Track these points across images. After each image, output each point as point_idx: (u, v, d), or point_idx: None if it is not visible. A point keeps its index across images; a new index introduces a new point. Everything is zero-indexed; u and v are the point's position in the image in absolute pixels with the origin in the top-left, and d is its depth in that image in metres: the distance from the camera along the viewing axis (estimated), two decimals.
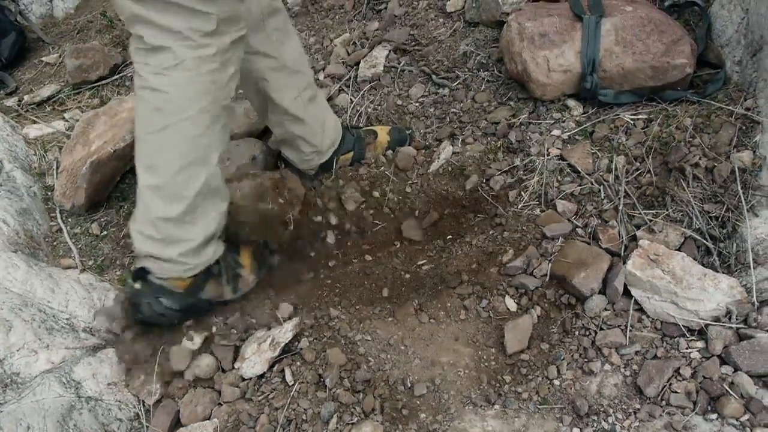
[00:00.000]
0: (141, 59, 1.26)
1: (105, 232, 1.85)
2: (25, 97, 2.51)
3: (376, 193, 1.72)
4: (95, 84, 2.47)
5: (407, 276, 1.55)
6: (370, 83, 2.06)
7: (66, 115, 2.35)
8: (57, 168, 2.04)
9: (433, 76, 1.99)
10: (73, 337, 1.49)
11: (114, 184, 1.98)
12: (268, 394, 1.35)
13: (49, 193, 1.99)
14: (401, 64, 2.08)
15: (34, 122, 2.32)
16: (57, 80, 2.62)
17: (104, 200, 1.95)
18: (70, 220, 1.91)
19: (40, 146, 2.16)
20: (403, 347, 1.41)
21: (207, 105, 1.28)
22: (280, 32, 1.57)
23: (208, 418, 1.35)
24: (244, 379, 1.39)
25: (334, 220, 1.69)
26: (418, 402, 1.31)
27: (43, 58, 2.81)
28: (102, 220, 1.89)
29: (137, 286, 1.40)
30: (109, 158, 1.90)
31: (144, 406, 1.41)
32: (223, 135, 1.38)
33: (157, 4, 1.19)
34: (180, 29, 1.21)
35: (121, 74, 2.50)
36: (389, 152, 1.85)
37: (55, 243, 1.84)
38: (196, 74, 1.25)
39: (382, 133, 1.84)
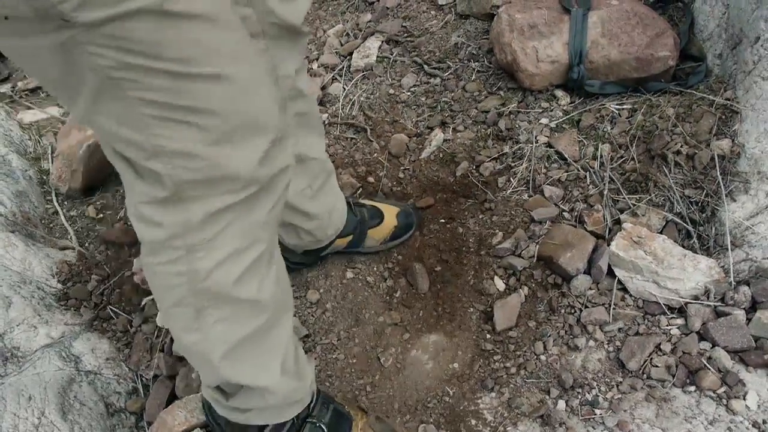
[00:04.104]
0: None
1: (101, 215, 1.87)
2: (19, 84, 2.52)
3: (371, 179, 1.76)
4: None
5: (400, 257, 1.60)
6: (362, 73, 2.10)
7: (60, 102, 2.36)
8: (52, 152, 2.06)
9: (425, 66, 2.04)
10: (72, 314, 1.51)
11: (110, 168, 1.99)
12: None
13: (45, 177, 2.01)
14: (393, 55, 2.12)
15: (29, 108, 2.33)
16: None
17: (100, 184, 1.97)
18: (66, 203, 1.94)
19: (35, 131, 2.18)
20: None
21: (179, 300, 0.91)
22: (303, 117, 1.19)
23: None
24: None
25: None
26: None
27: None
28: (98, 203, 1.91)
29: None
30: None
31: (142, 380, 1.44)
32: (231, 328, 0.95)
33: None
34: (131, 193, 0.85)
35: None
36: (388, 243, 1.59)
37: (51, 225, 1.86)
38: (152, 264, 0.90)
39: (389, 215, 1.58)
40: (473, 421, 1.28)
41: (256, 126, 0.80)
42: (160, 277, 0.91)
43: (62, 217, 1.87)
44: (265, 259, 0.94)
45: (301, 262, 1.52)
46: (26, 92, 2.47)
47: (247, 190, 0.83)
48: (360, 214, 1.54)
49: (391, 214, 1.59)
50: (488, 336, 1.42)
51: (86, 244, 1.78)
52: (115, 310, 1.55)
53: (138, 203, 0.84)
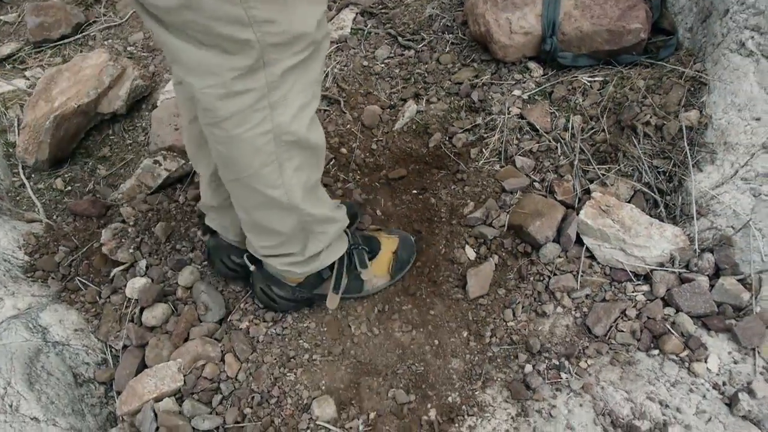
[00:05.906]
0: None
1: (69, 187, 1.84)
2: None
3: (344, 150, 1.75)
4: (57, 43, 2.42)
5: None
6: (337, 44, 2.08)
7: (27, 74, 2.30)
8: (19, 125, 2.01)
9: (399, 38, 2.02)
10: (39, 286, 1.49)
11: (78, 140, 1.96)
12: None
13: (11, 150, 1.97)
14: (368, 27, 2.10)
15: None
16: (17, 39, 2.55)
17: (68, 156, 1.93)
18: (33, 175, 1.90)
19: (1, 104, 2.12)
20: None
21: (266, 158, 1.04)
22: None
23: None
24: None
25: None
26: None
27: (1, 17, 2.73)
28: (66, 175, 1.88)
29: (252, 268, 1.36)
30: (72, 114, 1.89)
31: (111, 351, 1.43)
32: (304, 175, 1.12)
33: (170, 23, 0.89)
34: (218, 76, 0.94)
35: (84, 33, 2.45)
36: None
37: (18, 198, 1.83)
38: (238, 132, 1.00)
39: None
40: (443, 387, 1.30)
41: None
42: (247, 143, 1.01)
43: (29, 190, 1.83)
44: (317, 113, 1.11)
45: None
46: None
47: (308, 49, 0.97)
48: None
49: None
50: (459, 303, 1.43)
51: (54, 217, 1.75)
52: (84, 281, 1.53)
53: (230, 80, 0.93)
